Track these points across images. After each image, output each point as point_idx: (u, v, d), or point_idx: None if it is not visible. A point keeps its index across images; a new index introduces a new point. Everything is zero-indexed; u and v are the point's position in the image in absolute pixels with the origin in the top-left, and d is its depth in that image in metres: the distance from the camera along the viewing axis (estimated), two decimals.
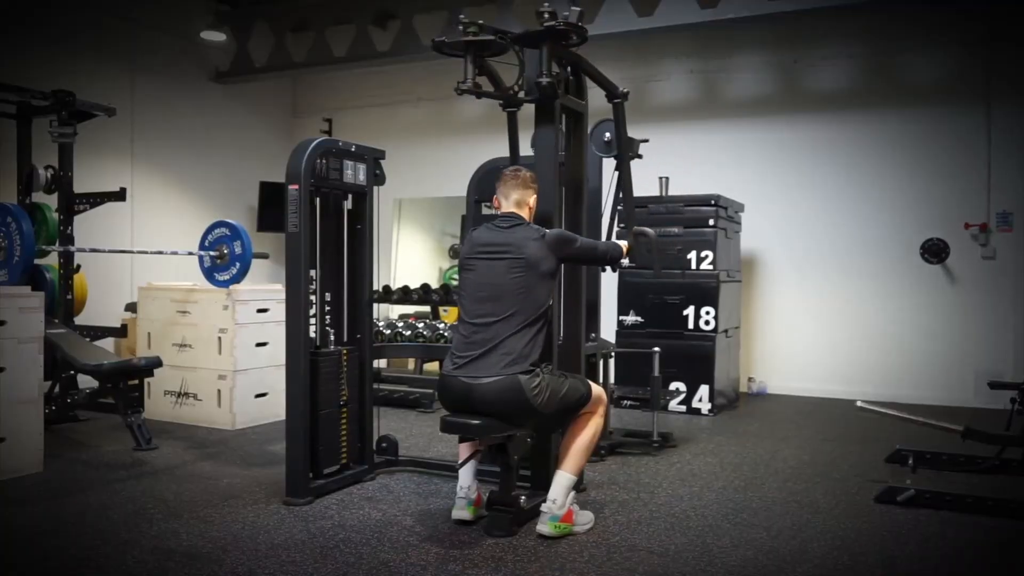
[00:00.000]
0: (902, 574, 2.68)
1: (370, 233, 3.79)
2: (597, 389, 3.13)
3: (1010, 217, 5.88)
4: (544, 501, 2.97)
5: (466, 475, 3.12)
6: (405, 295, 4.34)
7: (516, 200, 3.11)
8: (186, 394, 5.05)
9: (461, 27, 3.15)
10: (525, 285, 2.94)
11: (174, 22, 7.20)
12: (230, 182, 7.79)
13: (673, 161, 6.30)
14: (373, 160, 3.79)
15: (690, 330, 5.61)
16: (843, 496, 3.55)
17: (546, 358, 3.14)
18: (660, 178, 5.97)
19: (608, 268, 3.71)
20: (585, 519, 3.05)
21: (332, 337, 3.65)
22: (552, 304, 3.19)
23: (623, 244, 3.37)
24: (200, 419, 4.97)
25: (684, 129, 6.80)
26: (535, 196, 3.16)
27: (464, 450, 3.15)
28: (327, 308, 3.68)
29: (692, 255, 5.66)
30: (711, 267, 5.61)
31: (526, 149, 3.63)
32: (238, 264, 5.07)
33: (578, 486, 3.54)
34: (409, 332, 5.27)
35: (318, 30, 7.16)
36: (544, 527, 2.91)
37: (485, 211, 4.48)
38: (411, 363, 7.00)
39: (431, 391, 5.68)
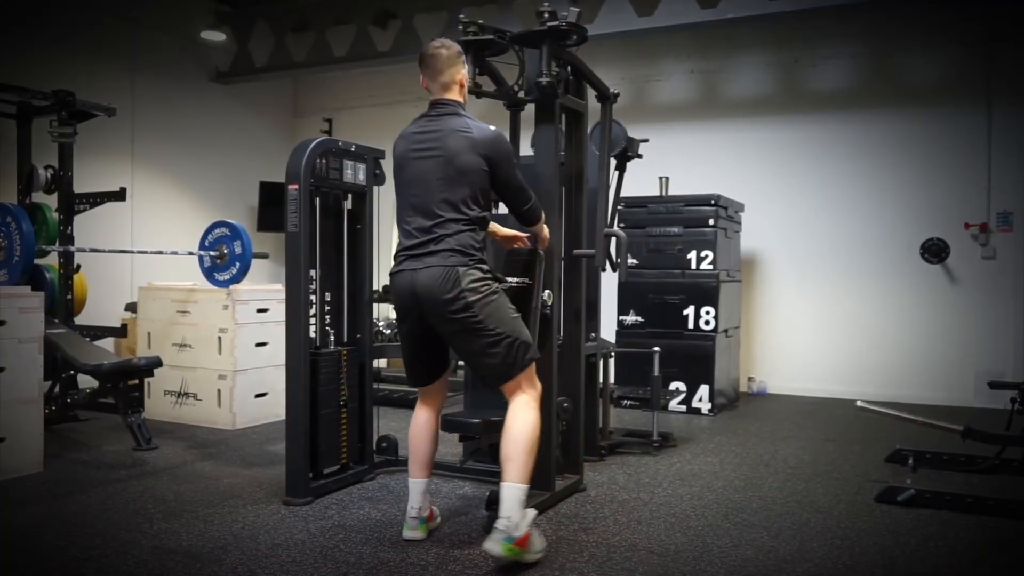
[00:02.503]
0: (902, 574, 2.68)
1: (370, 233, 3.80)
2: (536, 381, 2.86)
3: (1010, 217, 5.88)
4: (498, 518, 2.63)
5: (419, 494, 2.92)
6: None
7: (444, 83, 2.82)
8: (186, 394, 5.05)
9: (461, 27, 3.15)
10: (457, 183, 2.73)
11: (174, 22, 7.20)
12: (230, 182, 7.79)
13: (673, 161, 6.31)
14: (373, 160, 3.80)
15: (690, 330, 5.61)
16: (843, 496, 3.55)
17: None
18: (660, 178, 5.98)
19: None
20: (540, 546, 2.70)
21: (332, 337, 3.65)
22: (490, 210, 2.94)
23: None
24: (200, 419, 4.97)
25: (684, 129, 6.80)
26: (464, 70, 2.88)
27: (419, 465, 2.94)
28: (327, 308, 3.68)
29: (692, 255, 5.66)
30: (711, 267, 5.60)
31: (526, 148, 3.63)
32: (238, 264, 5.07)
33: (578, 485, 3.55)
34: None
35: (318, 30, 7.16)
36: (496, 547, 2.56)
37: None
38: None
39: None
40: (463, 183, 2.74)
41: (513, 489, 2.64)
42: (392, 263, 2.84)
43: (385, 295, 3.87)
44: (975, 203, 5.97)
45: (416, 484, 2.94)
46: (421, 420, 2.98)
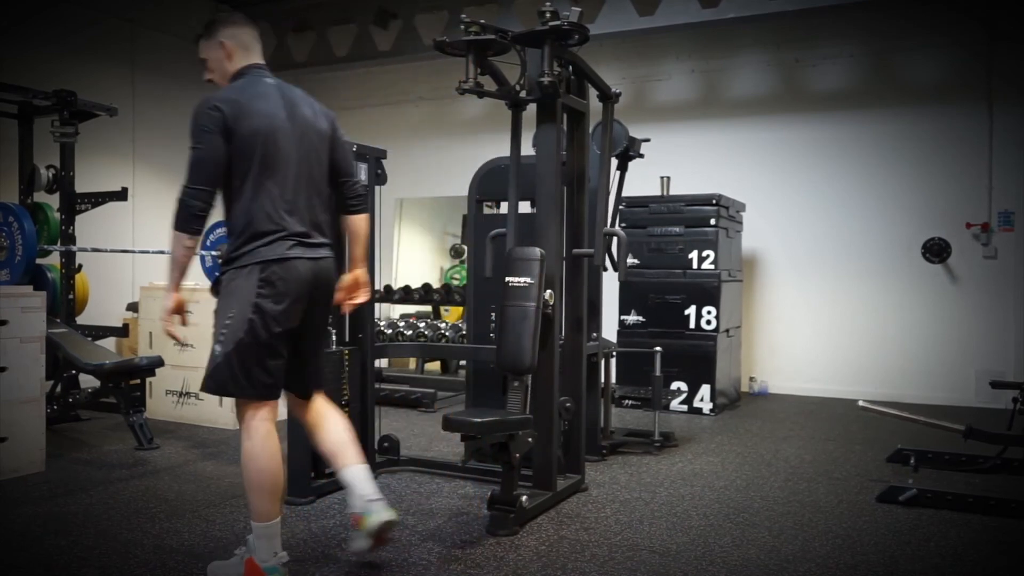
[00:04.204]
0: (904, 573, 2.68)
1: (371, 233, 3.78)
2: None
3: (1011, 216, 5.88)
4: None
5: (279, 535, 2.47)
6: (406, 295, 4.35)
7: (260, 48, 2.67)
8: (188, 393, 5.05)
9: (463, 26, 3.15)
10: (321, 162, 2.58)
11: (174, 22, 7.20)
12: None
13: (674, 160, 6.31)
14: (374, 160, 3.79)
15: (691, 330, 5.61)
16: (845, 495, 3.55)
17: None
18: (661, 177, 5.98)
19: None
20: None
21: (334, 337, 3.65)
22: None
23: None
24: (202, 419, 4.96)
25: (685, 128, 6.80)
26: None
27: (280, 498, 2.49)
28: None
29: (693, 255, 5.66)
30: (712, 267, 5.60)
31: (527, 148, 3.63)
32: None
33: (580, 485, 3.55)
34: (410, 332, 5.29)
35: (319, 30, 7.16)
36: (389, 512, 2.59)
37: (486, 211, 4.49)
38: (412, 363, 6.99)
39: (433, 391, 5.68)
40: (324, 163, 2.58)
41: (365, 468, 2.65)
42: (265, 245, 2.43)
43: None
44: (976, 203, 5.97)
45: (278, 525, 2.47)
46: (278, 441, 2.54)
